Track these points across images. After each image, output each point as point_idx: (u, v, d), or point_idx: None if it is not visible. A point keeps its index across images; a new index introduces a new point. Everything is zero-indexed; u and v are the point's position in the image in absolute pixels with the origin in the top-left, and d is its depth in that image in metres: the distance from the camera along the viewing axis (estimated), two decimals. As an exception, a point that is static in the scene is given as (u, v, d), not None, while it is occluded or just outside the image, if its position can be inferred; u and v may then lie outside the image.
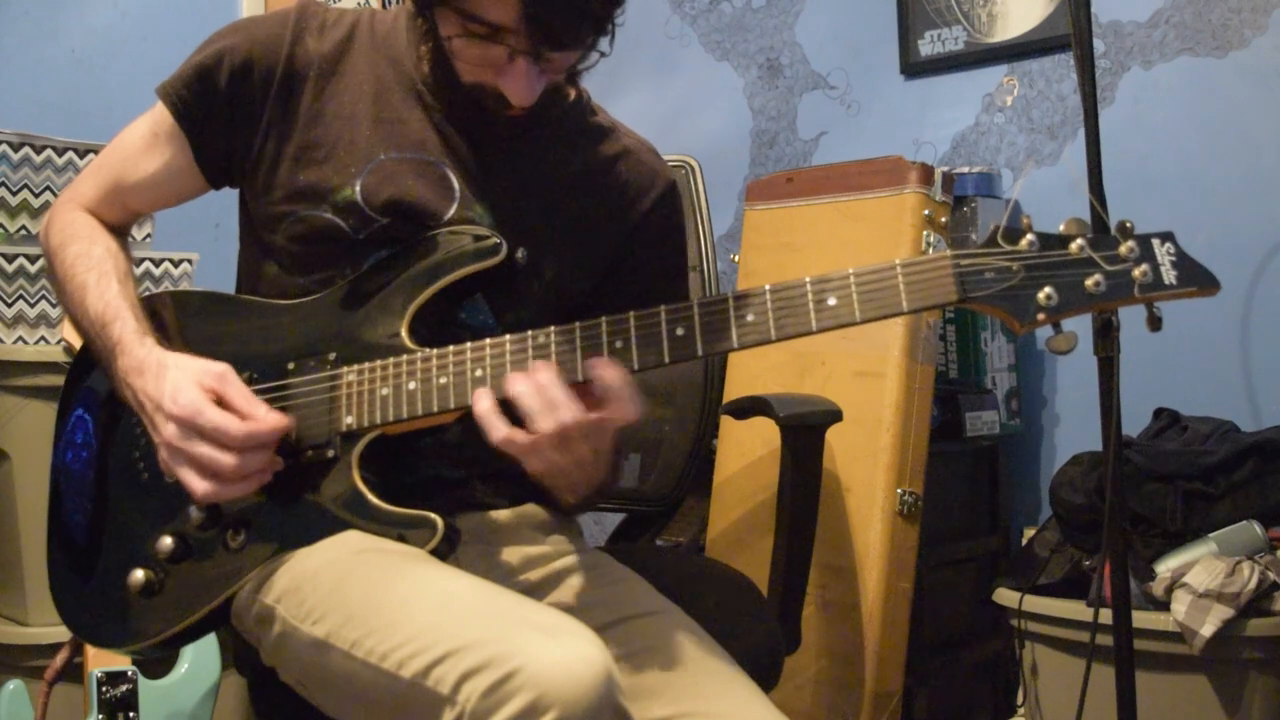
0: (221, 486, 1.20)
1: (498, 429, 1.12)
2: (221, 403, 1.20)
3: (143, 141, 1.38)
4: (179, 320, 1.36)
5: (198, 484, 1.20)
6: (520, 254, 1.32)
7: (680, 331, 1.12)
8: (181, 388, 1.20)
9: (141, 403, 1.24)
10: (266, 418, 1.20)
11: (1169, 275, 1.03)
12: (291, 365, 1.29)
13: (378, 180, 1.31)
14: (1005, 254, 1.05)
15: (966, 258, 1.05)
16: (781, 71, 3.17)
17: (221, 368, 1.23)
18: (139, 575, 1.26)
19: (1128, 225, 1.04)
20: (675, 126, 3.27)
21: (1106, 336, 1.64)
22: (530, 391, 1.12)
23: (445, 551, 1.18)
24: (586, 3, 1.17)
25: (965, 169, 2.65)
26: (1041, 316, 1.04)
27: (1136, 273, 1.03)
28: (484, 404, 1.14)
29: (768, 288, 1.10)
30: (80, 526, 1.36)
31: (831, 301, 1.08)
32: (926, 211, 2.25)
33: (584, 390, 1.13)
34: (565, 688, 0.95)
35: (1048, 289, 1.04)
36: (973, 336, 2.56)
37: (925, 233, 2.25)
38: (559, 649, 0.98)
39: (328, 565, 1.17)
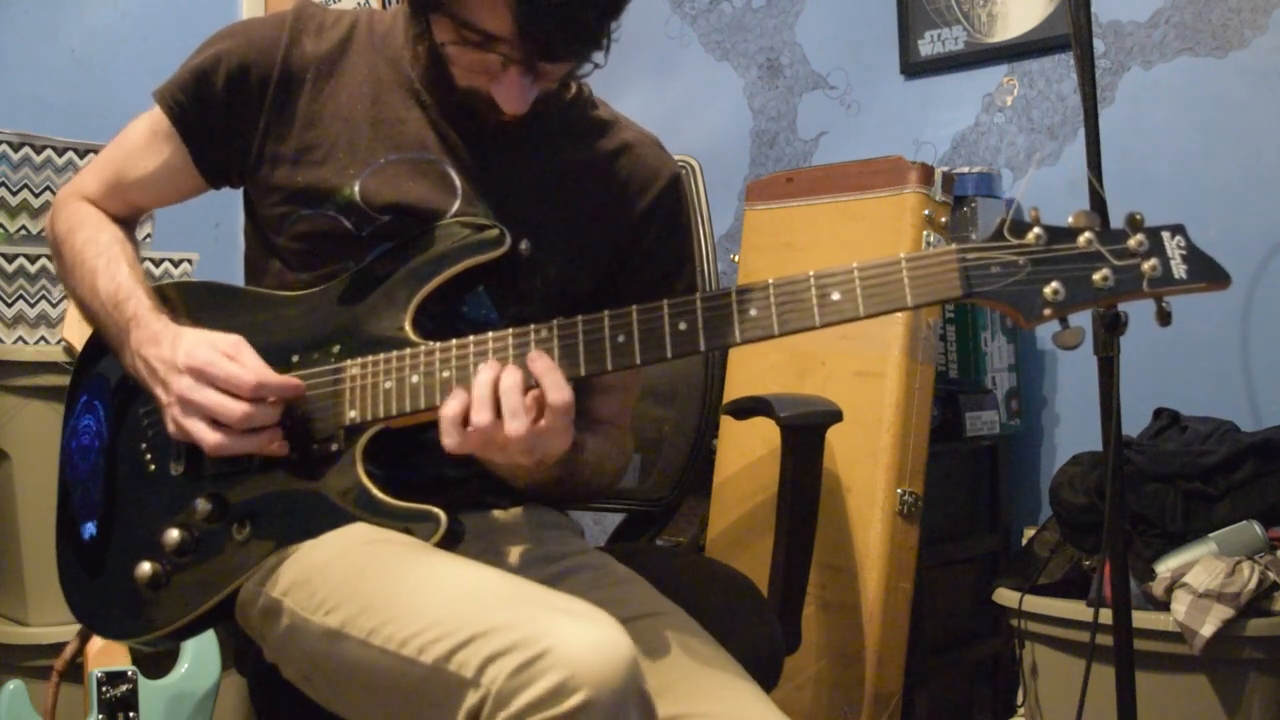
0: (232, 438, 1.21)
1: (449, 435, 1.14)
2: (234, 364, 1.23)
3: (143, 139, 1.39)
4: (184, 311, 1.35)
5: (208, 435, 1.21)
6: (524, 245, 1.32)
7: (683, 326, 1.12)
8: (197, 346, 1.23)
9: (154, 368, 1.25)
10: (277, 374, 1.23)
11: (1179, 270, 1.00)
12: (295, 358, 1.29)
13: (378, 182, 1.31)
14: (1012, 248, 1.03)
15: (972, 252, 1.04)
16: (781, 71, 3.17)
17: (235, 337, 1.25)
18: (146, 568, 1.27)
19: (1138, 218, 1.01)
20: (675, 126, 3.26)
21: (1114, 331, 1.63)
22: (484, 393, 1.13)
23: (449, 546, 1.18)
24: (581, 17, 1.16)
25: (965, 169, 2.65)
26: (1048, 312, 1.02)
27: (1146, 267, 1.00)
28: (451, 409, 1.15)
29: (771, 282, 1.09)
30: (87, 518, 1.36)
31: (835, 296, 1.07)
32: (926, 211, 2.25)
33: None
34: (595, 668, 0.95)
35: (1055, 284, 1.01)
36: (973, 336, 2.55)
37: (925, 233, 2.25)
38: (589, 631, 0.98)
39: (338, 556, 1.17)
